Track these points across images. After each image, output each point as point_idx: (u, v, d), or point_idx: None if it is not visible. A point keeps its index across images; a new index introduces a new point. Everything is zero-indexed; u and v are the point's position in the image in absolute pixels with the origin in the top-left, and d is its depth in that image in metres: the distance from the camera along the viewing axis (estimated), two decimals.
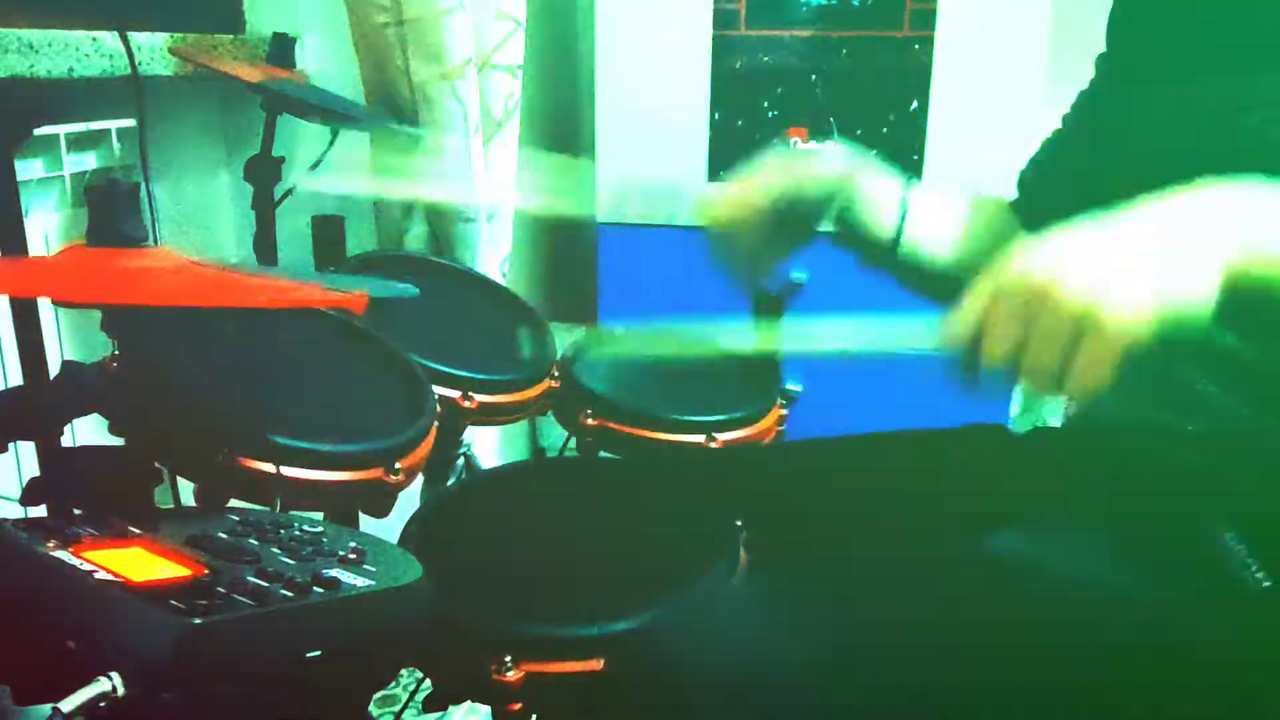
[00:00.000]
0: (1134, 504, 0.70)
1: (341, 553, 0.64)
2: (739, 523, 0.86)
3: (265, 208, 1.34)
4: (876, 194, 0.89)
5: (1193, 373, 0.70)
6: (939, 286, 0.95)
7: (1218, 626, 0.60)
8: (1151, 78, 0.76)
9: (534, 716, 0.73)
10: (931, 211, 0.90)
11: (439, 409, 0.97)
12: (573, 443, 1.15)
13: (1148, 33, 0.79)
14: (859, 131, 1.70)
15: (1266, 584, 0.60)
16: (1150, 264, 0.50)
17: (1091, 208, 0.76)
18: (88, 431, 1.00)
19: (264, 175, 1.33)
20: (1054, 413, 2.10)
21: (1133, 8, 0.81)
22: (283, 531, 0.67)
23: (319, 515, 0.81)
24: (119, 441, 0.84)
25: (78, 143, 1.29)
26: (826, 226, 0.89)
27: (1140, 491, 0.70)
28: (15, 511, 0.92)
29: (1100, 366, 0.49)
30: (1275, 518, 0.62)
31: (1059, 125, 0.90)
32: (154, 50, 1.32)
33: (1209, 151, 0.70)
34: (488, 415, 1.09)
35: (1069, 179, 0.87)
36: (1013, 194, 0.94)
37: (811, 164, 0.87)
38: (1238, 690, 0.59)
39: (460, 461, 1.38)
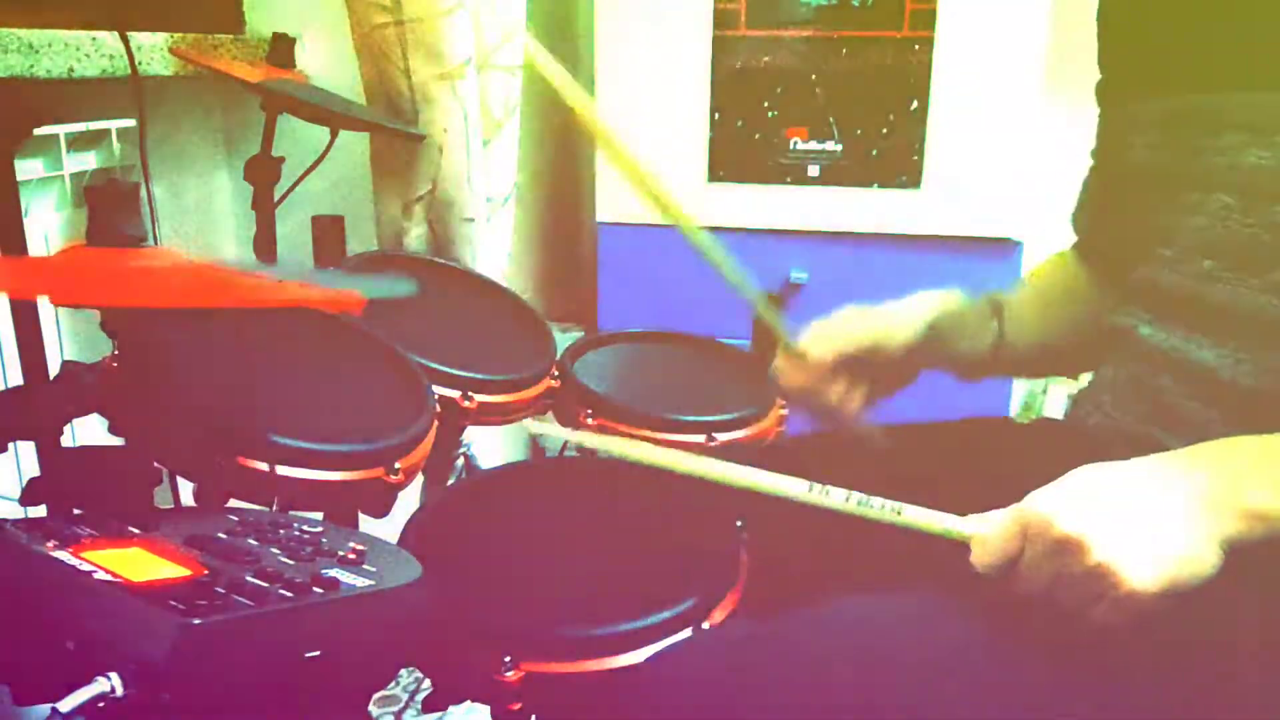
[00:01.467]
0: None
1: (341, 553, 0.64)
2: (739, 523, 0.86)
3: (265, 208, 1.34)
4: (965, 319, 0.90)
5: (1176, 387, 0.71)
6: (1037, 367, 0.99)
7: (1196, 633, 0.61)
8: (1135, 98, 0.77)
9: (534, 716, 0.73)
10: (1020, 304, 0.92)
11: (439, 409, 0.97)
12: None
13: (1130, 55, 0.80)
14: (859, 132, 1.70)
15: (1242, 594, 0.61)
16: (1157, 541, 0.57)
17: (1119, 239, 0.77)
18: (88, 431, 1.00)
19: (264, 175, 1.33)
20: (1054, 408, 2.11)
21: (1116, 32, 0.82)
22: (282, 531, 0.67)
23: (319, 515, 0.81)
24: (119, 441, 0.84)
25: (78, 143, 1.29)
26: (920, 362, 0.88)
27: None
28: (15, 511, 0.92)
29: (1119, 617, 0.57)
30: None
31: (1090, 161, 0.91)
32: (154, 50, 1.32)
33: (1185, 172, 0.71)
34: (488, 415, 1.09)
35: (1099, 215, 0.88)
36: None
37: (887, 321, 0.86)
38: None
39: (460, 461, 1.38)
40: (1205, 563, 0.56)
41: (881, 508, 0.68)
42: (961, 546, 0.64)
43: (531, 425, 0.95)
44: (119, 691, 0.47)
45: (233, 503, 0.79)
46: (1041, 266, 0.97)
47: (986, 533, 0.62)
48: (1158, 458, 0.61)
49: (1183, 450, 0.61)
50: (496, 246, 1.63)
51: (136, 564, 0.56)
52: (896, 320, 0.86)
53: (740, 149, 1.74)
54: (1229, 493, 0.58)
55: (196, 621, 0.49)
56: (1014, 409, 1.97)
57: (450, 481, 1.34)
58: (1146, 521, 0.57)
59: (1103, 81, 0.85)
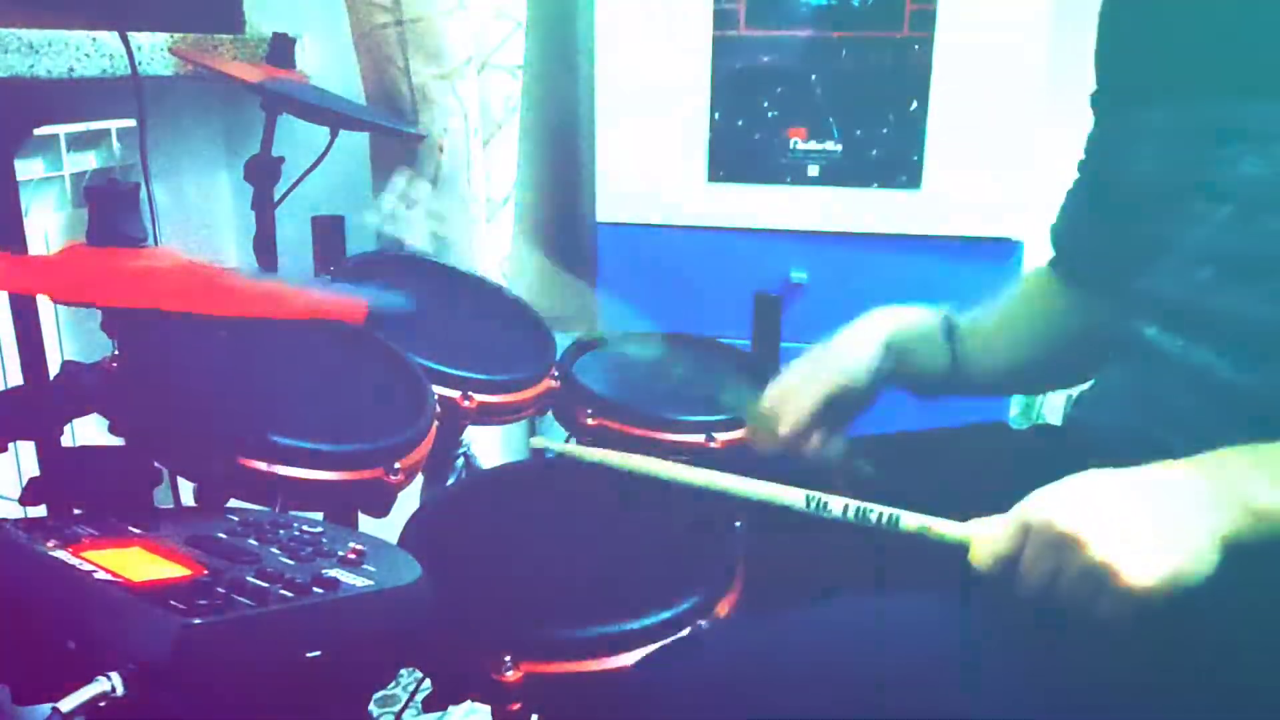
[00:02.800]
0: None
1: (341, 553, 0.64)
2: (738, 523, 0.86)
3: (265, 208, 1.34)
4: (919, 340, 0.91)
5: (1178, 392, 0.71)
6: (1002, 384, 1.01)
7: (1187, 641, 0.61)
8: (1135, 108, 0.77)
9: (534, 716, 0.73)
10: (976, 325, 0.93)
11: (439, 409, 0.97)
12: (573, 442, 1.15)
13: (1130, 64, 0.80)
14: (859, 132, 1.70)
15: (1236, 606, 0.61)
16: (1157, 539, 0.57)
17: (1115, 248, 0.77)
18: (88, 431, 1.00)
19: (264, 175, 1.33)
20: (1051, 413, 2.11)
21: (1115, 40, 0.82)
22: (282, 532, 0.67)
23: (319, 515, 0.81)
24: (119, 441, 0.84)
25: (78, 143, 1.29)
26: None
27: None
28: (15, 511, 0.92)
29: (1120, 614, 0.57)
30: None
31: (1076, 174, 0.91)
32: (154, 50, 1.33)
33: (1188, 181, 0.71)
34: (488, 415, 1.09)
35: (1091, 224, 0.88)
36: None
37: (843, 361, 0.88)
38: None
39: (460, 461, 1.38)
40: (1205, 559, 0.56)
41: (879, 517, 0.68)
42: (961, 549, 0.64)
43: (536, 442, 0.96)
44: (119, 691, 0.46)
45: (233, 503, 0.79)
46: (1017, 284, 0.98)
47: (988, 533, 0.62)
48: (1158, 464, 0.62)
49: (1185, 458, 0.62)
50: (496, 246, 1.63)
51: (136, 564, 0.56)
52: (852, 355, 0.88)
53: (740, 149, 1.74)
54: (1229, 490, 0.58)
55: (196, 621, 0.49)
56: (1012, 414, 1.97)
57: (450, 481, 1.34)
58: (1146, 519, 0.58)
59: (1100, 91, 0.84)
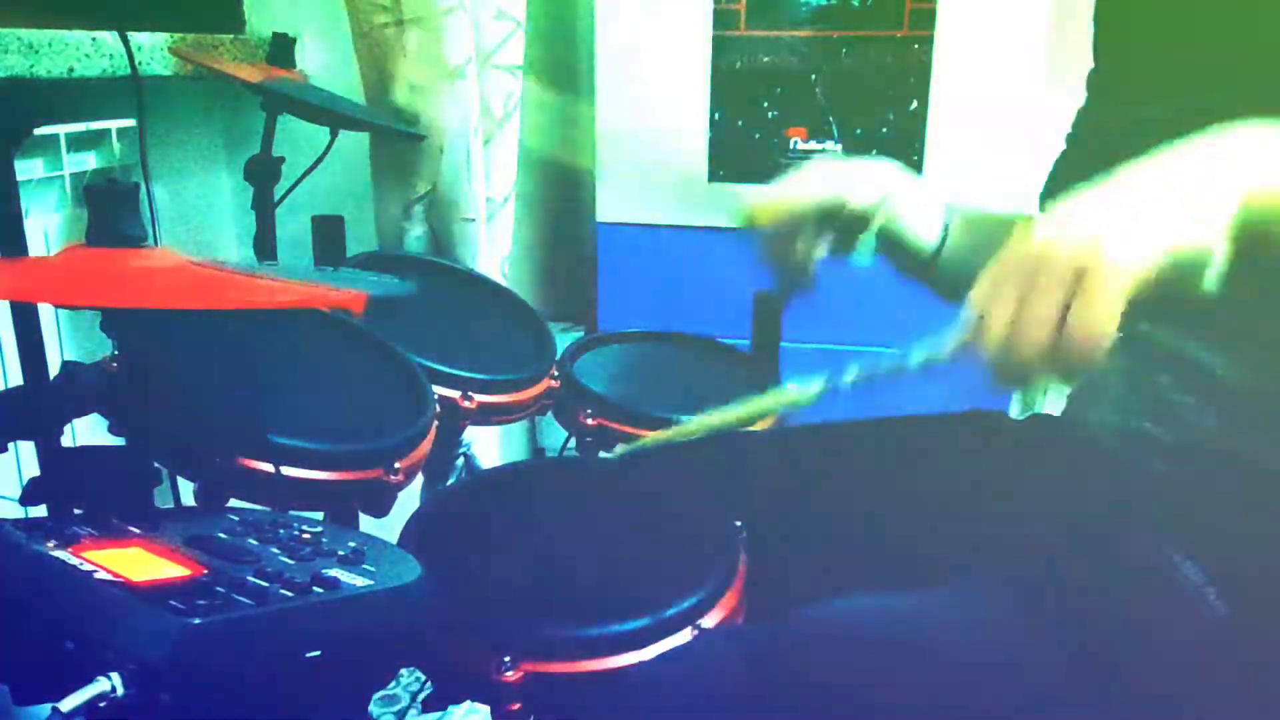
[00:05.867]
0: (1095, 509, 0.70)
1: (341, 553, 0.64)
2: (738, 523, 0.86)
3: (265, 208, 1.34)
4: (919, 210, 0.89)
5: (1167, 380, 0.71)
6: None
7: (1171, 650, 0.60)
8: (1133, 94, 0.77)
9: (534, 717, 0.73)
10: (970, 228, 0.91)
11: (439, 409, 0.97)
12: (572, 443, 1.15)
13: (1128, 50, 0.79)
14: (859, 132, 1.70)
15: (1223, 612, 0.60)
16: (1153, 211, 0.48)
17: None
18: (88, 431, 1.00)
19: (264, 175, 1.33)
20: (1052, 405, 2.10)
21: (1114, 26, 0.82)
22: (282, 531, 0.67)
23: (319, 515, 0.81)
24: (119, 441, 0.84)
25: (78, 143, 1.29)
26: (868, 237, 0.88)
27: (1103, 497, 0.71)
28: (15, 511, 0.92)
29: (1097, 321, 0.47)
30: (1235, 543, 0.62)
31: (1064, 145, 0.90)
32: (154, 50, 1.32)
33: None
34: (488, 415, 1.09)
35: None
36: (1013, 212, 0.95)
37: (855, 176, 0.87)
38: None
39: (460, 461, 1.38)
40: (1208, 234, 0.48)
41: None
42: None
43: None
44: (119, 691, 0.47)
45: (233, 503, 0.79)
46: (1016, 216, 0.93)
47: (981, 277, 0.54)
48: (1147, 159, 0.54)
49: (1188, 138, 0.54)
50: (496, 246, 1.63)
51: (136, 564, 0.56)
52: (863, 182, 0.86)
53: (740, 149, 1.74)
54: (1244, 160, 0.52)
55: (196, 621, 0.49)
56: (1013, 403, 1.97)
57: (450, 481, 1.34)
58: (1135, 200, 0.50)
59: (1095, 71, 0.84)
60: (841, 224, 0.86)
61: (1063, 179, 0.90)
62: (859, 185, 0.86)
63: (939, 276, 0.90)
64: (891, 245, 0.90)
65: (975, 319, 0.52)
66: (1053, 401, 2.04)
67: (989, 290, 0.52)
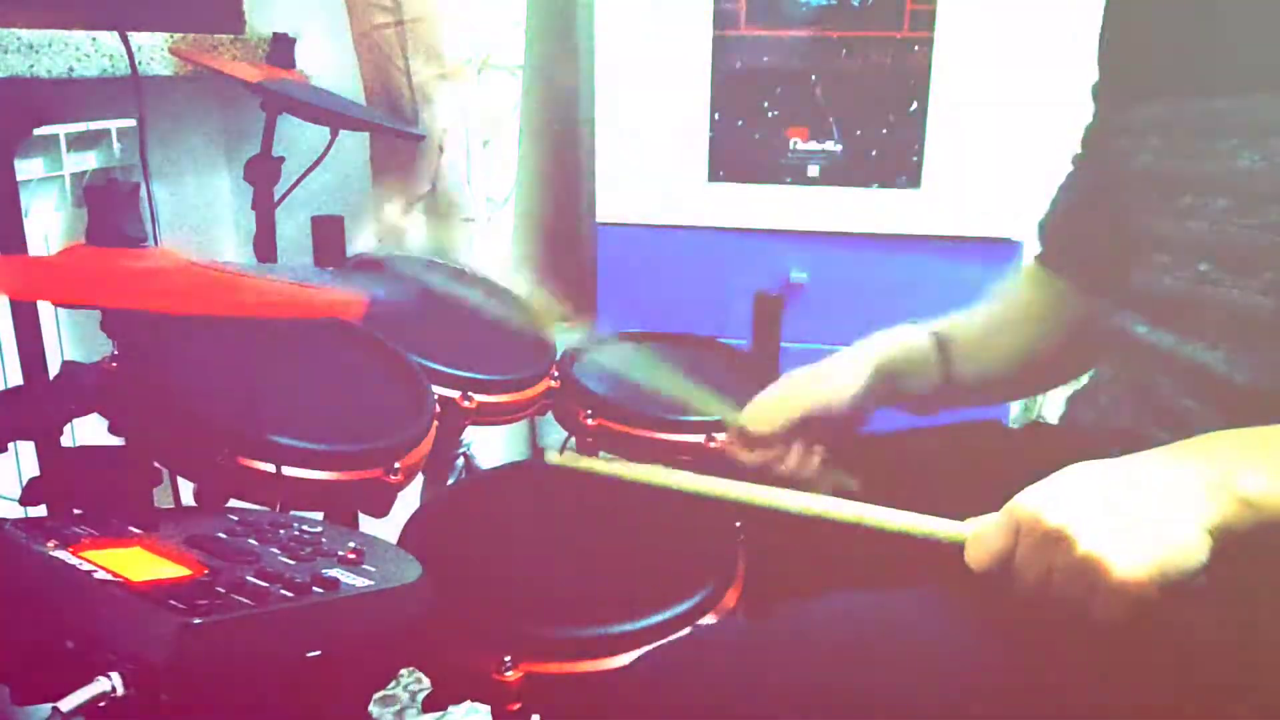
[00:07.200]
0: None
1: (341, 553, 0.64)
2: (738, 523, 0.86)
3: (265, 208, 1.34)
4: (909, 361, 0.91)
5: (1173, 388, 0.71)
6: (995, 393, 1.01)
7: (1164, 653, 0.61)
8: (1135, 101, 0.77)
9: (534, 716, 0.73)
10: (965, 337, 0.92)
11: (439, 409, 0.97)
12: (572, 443, 1.15)
13: (1133, 57, 0.80)
14: (859, 132, 1.70)
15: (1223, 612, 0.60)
16: (1144, 531, 0.56)
17: (1110, 243, 0.77)
18: (88, 431, 1.00)
19: (264, 175, 1.33)
20: (1051, 411, 2.11)
21: (1118, 33, 0.82)
22: (282, 531, 0.67)
23: (319, 515, 0.81)
24: (119, 441, 0.84)
25: (78, 143, 1.29)
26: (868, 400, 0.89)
27: None
28: (15, 511, 0.92)
29: (1113, 610, 0.56)
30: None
31: (1070, 168, 0.91)
32: (154, 50, 1.33)
33: (1184, 175, 0.71)
34: (488, 415, 1.09)
35: (1086, 218, 0.88)
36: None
37: (825, 382, 0.88)
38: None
39: (460, 461, 1.38)
40: (1194, 551, 0.55)
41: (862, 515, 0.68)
42: (957, 546, 0.64)
43: (550, 457, 0.96)
44: (119, 691, 0.47)
45: (233, 503, 0.79)
46: (1006, 285, 0.97)
47: (979, 531, 0.62)
48: (1146, 453, 0.61)
49: (1171, 445, 0.61)
50: (496, 246, 1.63)
51: (136, 564, 0.56)
52: (839, 377, 0.87)
53: (740, 149, 1.74)
54: (1217, 479, 0.57)
55: (196, 621, 0.49)
56: (1012, 412, 1.97)
57: (450, 481, 1.34)
58: (1133, 511, 0.57)
59: (1101, 82, 0.85)
60: (830, 425, 0.87)
61: (1068, 201, 0.91)
62: (833, 389, 0.87)
63: (957, 399, 0.93)
64: (900, 401, 0.91)
65: (989, 560, 0.61)
66: (1052, 407, 2.04)
67: (1009, 548, 0.60)
